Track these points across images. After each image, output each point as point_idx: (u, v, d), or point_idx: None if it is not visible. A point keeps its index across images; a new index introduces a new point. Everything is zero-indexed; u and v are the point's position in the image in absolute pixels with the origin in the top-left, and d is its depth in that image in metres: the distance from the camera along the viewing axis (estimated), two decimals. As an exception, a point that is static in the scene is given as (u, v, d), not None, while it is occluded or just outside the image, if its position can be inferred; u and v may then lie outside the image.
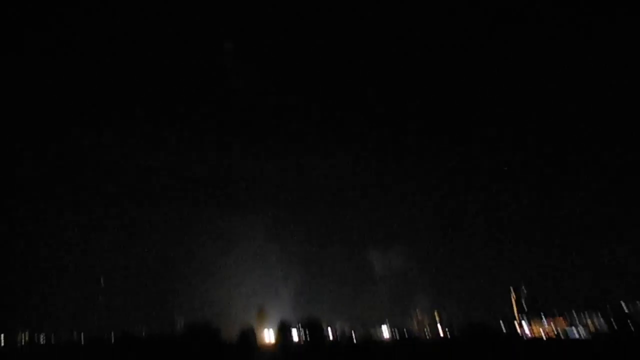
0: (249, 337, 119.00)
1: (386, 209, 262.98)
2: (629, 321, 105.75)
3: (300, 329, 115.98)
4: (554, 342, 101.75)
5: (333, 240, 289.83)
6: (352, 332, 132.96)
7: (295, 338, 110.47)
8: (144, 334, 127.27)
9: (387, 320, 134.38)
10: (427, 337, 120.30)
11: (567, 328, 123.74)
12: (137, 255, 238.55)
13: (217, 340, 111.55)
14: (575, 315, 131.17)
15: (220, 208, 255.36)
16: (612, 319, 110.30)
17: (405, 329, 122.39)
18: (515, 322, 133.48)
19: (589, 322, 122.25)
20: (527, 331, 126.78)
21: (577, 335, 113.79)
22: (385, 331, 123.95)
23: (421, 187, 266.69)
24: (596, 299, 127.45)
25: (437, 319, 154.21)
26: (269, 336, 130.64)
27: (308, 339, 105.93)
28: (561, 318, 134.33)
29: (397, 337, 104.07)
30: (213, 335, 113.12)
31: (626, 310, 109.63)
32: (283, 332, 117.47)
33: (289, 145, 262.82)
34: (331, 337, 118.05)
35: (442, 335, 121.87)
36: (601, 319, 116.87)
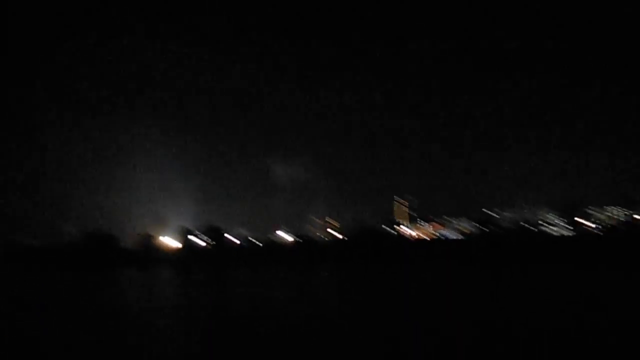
0: (149, 243, 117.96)
1: (287, 120, 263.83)
2: (491, 225, 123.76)
3: (202, 234, 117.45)
4: (437, 242, 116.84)
5: (233, 149, 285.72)
6: (253, 238, 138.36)
7: (201, 243, 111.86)
8: (32, 244, 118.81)
9: (285, 227, 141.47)
10: (326, 240, 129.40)
11: (442, 231, 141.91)
12: (21, 162, 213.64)
13: (115, 248, 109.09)
14: (449, 220, 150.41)
15: (116, 112, 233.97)
16: (479, 223, 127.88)
17: (303, 235, 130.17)
18: (398, 227, 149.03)
19: (460, 226, 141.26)
20: (410, 234, 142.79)
21: (452, 237, 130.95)
22: (286, 236, 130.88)
23: (319, 100, 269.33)
24: (466, 206, 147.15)
25: (332, 224, 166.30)
26: (170, 242, 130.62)
27: (212, 244, 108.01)
28: (437, 223, 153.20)
29: (300, 241, 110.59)
30: (111, 243, 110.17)
31: (496, 216, 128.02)
32: (186, 237, 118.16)
33: (188, 48, 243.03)
34: (236, 242, 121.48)
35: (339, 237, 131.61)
36: (470, 223, 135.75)
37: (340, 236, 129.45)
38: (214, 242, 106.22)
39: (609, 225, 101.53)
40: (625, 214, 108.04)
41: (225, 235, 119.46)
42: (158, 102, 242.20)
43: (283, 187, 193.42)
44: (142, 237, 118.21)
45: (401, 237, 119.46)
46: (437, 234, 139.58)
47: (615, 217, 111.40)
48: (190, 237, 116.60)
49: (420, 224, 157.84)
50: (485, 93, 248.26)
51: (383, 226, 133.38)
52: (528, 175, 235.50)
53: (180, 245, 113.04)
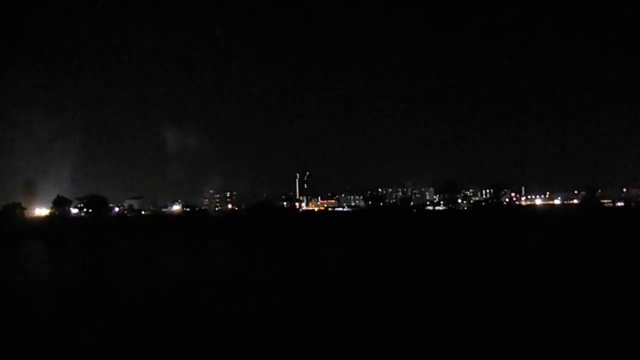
0: (13, 211, 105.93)
1: (184, 84, 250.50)
2: (378, 200, 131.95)
3: (80, 204, 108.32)
4: (322, 212, 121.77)
5: (121, 112, 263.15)
6: (141, 208, 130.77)
7: (78, 213, 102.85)
8: None
9: (179, 200, 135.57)
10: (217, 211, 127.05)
11: (336, 208, 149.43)
12: None
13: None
14: (344, 197, 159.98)
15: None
16: (369, 200, 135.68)
17: (194, 205, 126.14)
18: (296, 201, 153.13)
19: (353, 202, 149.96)
20: (304, 207, 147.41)
21: (341, 209, 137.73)
22: (177, 207, 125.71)
23: (217, 66, 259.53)
24: (359, 185, 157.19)
25: (228, 197, 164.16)
26: (42, 212, 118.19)
27: (90, 213, 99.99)
28: (332, 199, 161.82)
29: (188, 210, 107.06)
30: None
31: (384, 192, 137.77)
32: (60, 206, 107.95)
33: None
34: (122, 212, 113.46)
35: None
36: (360, 199, 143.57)
37: (236, 208, 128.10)
38: (92, 212, 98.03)
39: (472, 202, 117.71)
40: (488, 193, 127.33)
41: (109, 204, 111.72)
42: (34, 52, 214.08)
43: (177, 156, 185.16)
44: (6, 205, 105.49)
45: (292, 208, 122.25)
46: (326, 207, 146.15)
47: (482, 197, 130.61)
48: (70, 208, 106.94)
49: (317, 200, 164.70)
50: (382, 79, 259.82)
51: (283, 200, 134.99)
52: (417, 161, 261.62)
53: (54, 216, 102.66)
